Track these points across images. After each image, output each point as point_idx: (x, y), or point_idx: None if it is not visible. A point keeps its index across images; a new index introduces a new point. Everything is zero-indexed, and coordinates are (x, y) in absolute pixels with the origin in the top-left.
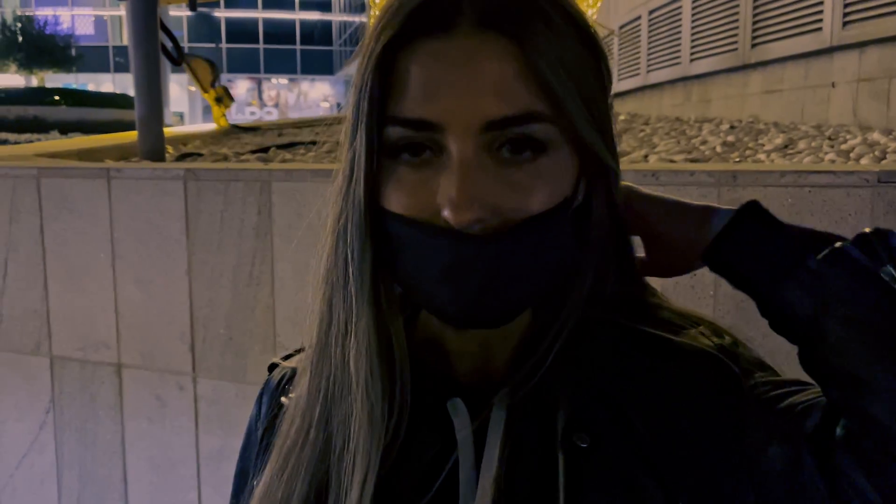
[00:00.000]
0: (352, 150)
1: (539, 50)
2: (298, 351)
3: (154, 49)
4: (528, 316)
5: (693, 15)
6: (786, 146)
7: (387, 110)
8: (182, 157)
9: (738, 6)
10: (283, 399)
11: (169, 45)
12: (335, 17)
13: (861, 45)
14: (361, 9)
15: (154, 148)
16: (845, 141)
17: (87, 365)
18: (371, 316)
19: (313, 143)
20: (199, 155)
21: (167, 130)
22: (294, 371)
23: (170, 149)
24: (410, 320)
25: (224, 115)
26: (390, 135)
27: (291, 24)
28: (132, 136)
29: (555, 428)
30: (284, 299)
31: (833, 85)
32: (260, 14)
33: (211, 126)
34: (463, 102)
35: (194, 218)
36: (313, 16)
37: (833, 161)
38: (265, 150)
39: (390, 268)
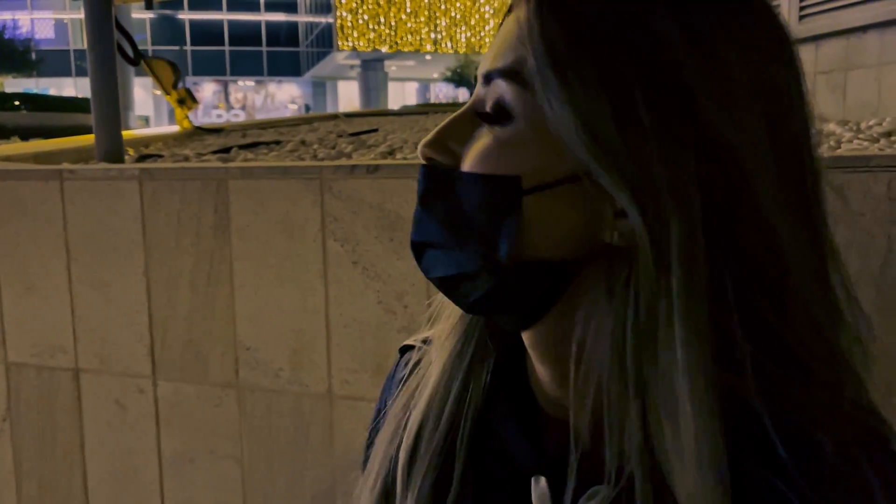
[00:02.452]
0: None
1: (532, 12)
2: (427, 340)
3: (110, 49)
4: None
5: None
6: None
7: None
8: (142, 159)
9: None
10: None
11: (127, 46)
12: (301, 19)
13: (817, 38)
14: (327, 9)
15: (112, 150)
16: None
17: (44, 370)
18: None
19: (277, 142)
20: (160, 156)
21: (129, 133)
22: (420, 358)
23: (130, 150)
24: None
25: (187, 117)
26: None
27: (257, 25)
28: (91, 138)
29: None
30: (244, 298)
31: None
32: (225, 16)
33: (174, 128)
34: (485, 57)
35: (151, 218)
36: (279, 17)
37: None
38: (227, 150)
39: None
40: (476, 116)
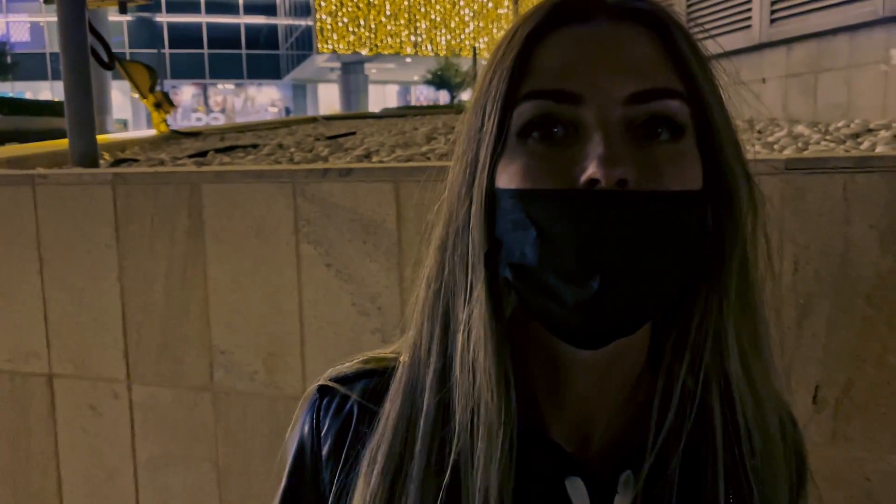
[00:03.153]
0: (478, 136)
1: (677, 37)
2: (356, 376)
3: (83, 53)
4: (636, 354)
5: None
6: None
7: (519, 92)
8: (117, 163)
9: (672, 5)
10: (360, 444)
11: (101, 50)
12: (281, 21)
13: (788, 41)
14: (307, 12)
15: (86, 154)
16: (772, 133)
17: (17, 376)
18: (485, 302)
19: (254, 146)
20: (135, 161)
21: (105, 137)
22: (362, 410)
23: (106, 155)
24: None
25: (164, 121)
26: (523, 112)
27: (236, 28)
28: (66, 143)
29: None
30: (218, 302)
31: (763, 80)
32: (203, 18)
33: (151, 132)
34: (605, 75)
35: (124, 223)
36: (258, 20)
37: (759, 152)
38: (203, 154)
39: (504, 263)
40: (642, 137)
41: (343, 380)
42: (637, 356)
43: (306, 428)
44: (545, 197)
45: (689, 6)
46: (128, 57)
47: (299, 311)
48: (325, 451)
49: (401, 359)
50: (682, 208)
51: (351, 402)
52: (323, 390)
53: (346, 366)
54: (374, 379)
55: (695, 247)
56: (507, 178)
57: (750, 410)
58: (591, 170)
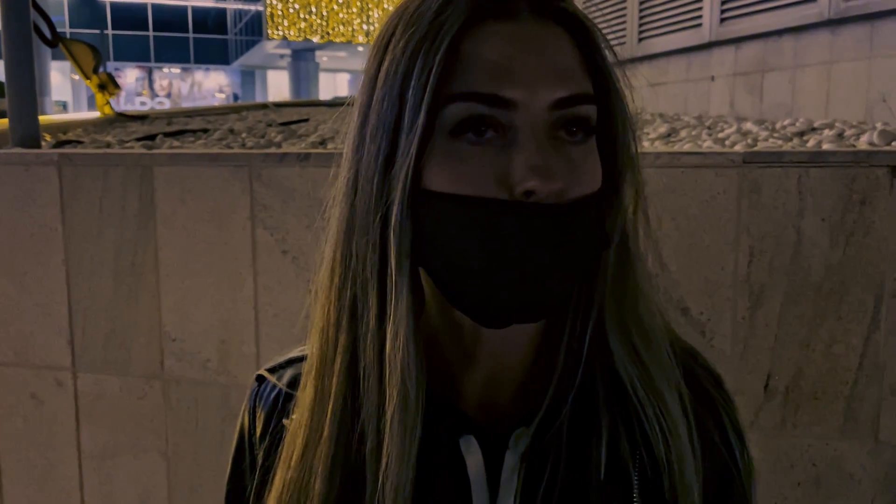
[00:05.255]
0: (394, 125)
1: (589, 39)
2: (288, 363)
3: (26, 28)
4: (538, 326)
5: (585, 10)
6: (668, 135)
7: (446, 90)
8: (60, 145)
9: (625, 3)
10: (284, 421)
11: (43, 26)
12: (229, 5)
13: (737, 41)
14: None
15: (27, 134)
16: (722, 130)
17: None
18: (409, 301)
19: (204, 130)
20: (80, 143)
21: (46, 118)
22: (288, 394)
23: (47, 136)
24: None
25: (109, 103)
26: (454, 112)
27: (183, 10)
28: (3, 123)
29: (587, 471)
30: (170, 288)
31: (713, 78)
32: None
33: (94, 114)
34: (536, 81)
35: (70, 205)
36: (206, 3)
37: (711, 147)
38: (152, 137)
39: (423, 257)
40: (562, 138)
41: (274, 368)
42: (541, 324)
43: (245, 416)
44: (488, 205)
45: (640, 3)
46: (69, 37)
47: (254, 298)
48: (257, 437)
49: (309, 345)
50: (596, 208)
51: (277, 389)
52: (259, 379)
53: (285, 354)
54: (302, 364)
55: (599, 239)
56: (442, 180)
57: (639, 383)
58: (532, 182)
